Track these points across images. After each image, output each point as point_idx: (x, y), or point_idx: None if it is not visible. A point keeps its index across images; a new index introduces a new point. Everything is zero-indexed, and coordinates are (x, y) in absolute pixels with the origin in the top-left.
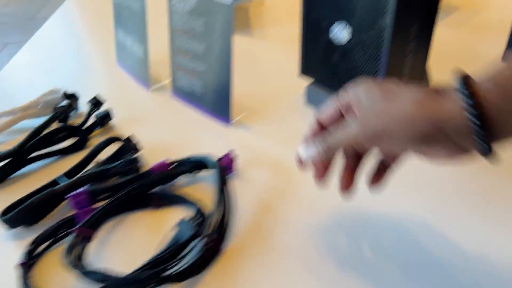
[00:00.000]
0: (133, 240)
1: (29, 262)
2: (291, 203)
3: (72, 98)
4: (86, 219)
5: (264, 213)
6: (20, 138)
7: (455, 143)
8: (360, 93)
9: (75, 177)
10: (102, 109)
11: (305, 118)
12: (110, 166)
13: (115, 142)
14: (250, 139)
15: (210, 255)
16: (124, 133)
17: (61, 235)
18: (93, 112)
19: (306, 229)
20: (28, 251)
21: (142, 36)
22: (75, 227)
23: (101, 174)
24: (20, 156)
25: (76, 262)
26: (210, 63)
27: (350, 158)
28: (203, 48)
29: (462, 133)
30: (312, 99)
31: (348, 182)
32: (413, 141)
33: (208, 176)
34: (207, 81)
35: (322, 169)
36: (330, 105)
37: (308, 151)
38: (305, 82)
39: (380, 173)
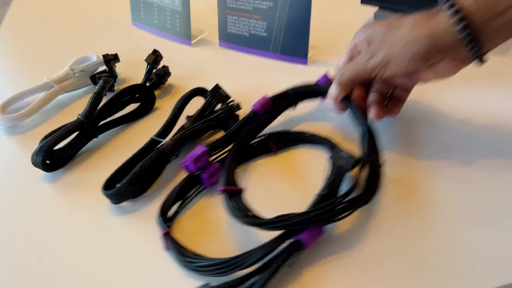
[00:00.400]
0: (264, 186)
1: (168, 229)
2: None
3: (113, 61)
4: (224, 177)
5: None
6: (62, 115)
7: (452, 55)
8: (366, 32)
9: (178, 135)
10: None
11: None
12: (212, 117)
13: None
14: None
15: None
16: (187, 88)
17: (188, 196)
18: (152, 70)
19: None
20: (164, 219)
21: None
22: (220, 187)
23: (204, 126)
24: (87, 128)
25: (249, 217)
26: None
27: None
28: None
29: (455, 44)
30: None
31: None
32: (416, 59)
33: (312, 111)
34: (274, 19)
35: (341, 105)
36: (344, 54)
37: (329, 91)
38: (368, 9)
39: (395, 103)
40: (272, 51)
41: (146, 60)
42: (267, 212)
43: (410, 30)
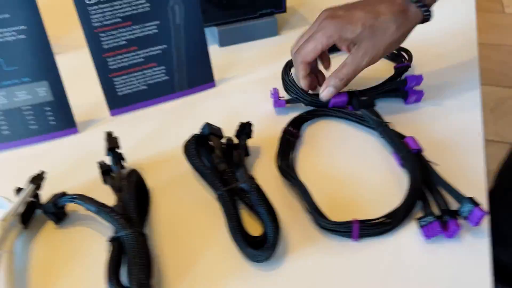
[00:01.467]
0: None
1: None
2: None
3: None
4: None
5: None
6: None
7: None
8: (348, 26)
9: None
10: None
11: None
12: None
13: None
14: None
15: None
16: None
17: None
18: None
19: None
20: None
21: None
22: None
23: None
24: None
25: None
26: (172, 39)
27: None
28: (154, 28)
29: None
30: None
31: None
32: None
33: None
34: (172, 59)
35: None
36: (312, 47)
37: (328, 92)
38: None
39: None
40: (178, 90)
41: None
42: None
43: (396, 32)
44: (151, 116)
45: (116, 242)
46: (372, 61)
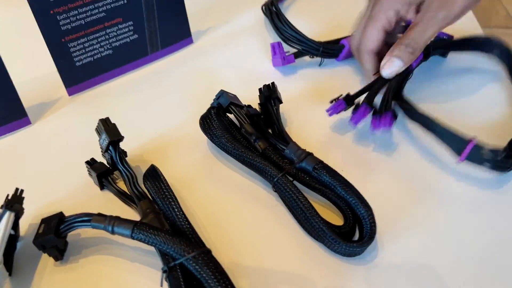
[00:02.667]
0: None
1: None
2: None
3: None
4: None
5: None
6: None
7: None
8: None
9: None
10: None
11: None
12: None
13: None
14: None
15: None
16: None
17: None
18: None
19: None
20: None
21: None
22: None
23: None
24: None
25: None
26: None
27: None
28: None
29: None
30: None
31: None
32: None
33: None
34: (141, 11)
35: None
36: (374, 31)
37: (390, 65)
38: None
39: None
40: (152, 51)
41: None
42: None
43: None
44: (124, 90)
45: (176, 272)
46: (448, 17)
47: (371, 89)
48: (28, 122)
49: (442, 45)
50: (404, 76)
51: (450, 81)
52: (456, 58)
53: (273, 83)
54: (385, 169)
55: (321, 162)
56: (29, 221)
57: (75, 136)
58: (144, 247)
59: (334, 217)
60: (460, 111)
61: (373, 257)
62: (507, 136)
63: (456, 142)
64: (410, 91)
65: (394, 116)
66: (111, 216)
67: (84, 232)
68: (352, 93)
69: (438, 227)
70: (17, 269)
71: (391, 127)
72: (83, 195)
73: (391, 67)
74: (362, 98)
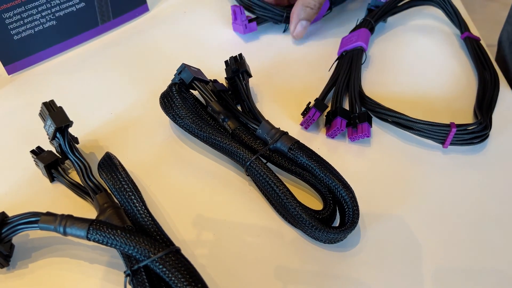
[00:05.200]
0: None
1: None
2: None
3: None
4: None
5: None
6: None
7: None
8: None
9: None
10: None
11: None
12: None
13: None
14: None
15: None
16: None
17: None
18: None
19: None
20: None
21: None
22: None
23: None
24: None
25: None
26: None
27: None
28: None
29: None
30: None
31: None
32: None
33: None
34: None
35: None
36: None
37: (301, 28)
38: None
39: None
40: (102, 21)
41: None
42: None
43: None
44: (72, 66)
45: (141, 275)
46: None
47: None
48: None
49: (381, 13)
50: (355, 71)
51: (400, 50)
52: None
53: (240, 55)
54: (362, 147)
55: (297, 141)
56: None
57: (17, 121)
58: (105, 247)
59: (313, 201)
60: (421, 81)
61: (355, 242)
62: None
63: (436, 133)
64: (368, 76)
65: (369, 123)
66: (62, 215)
67: (33, 232)
68: (319, 96)
69: (420, 203)
70: None
71: (369, 135)
72: (29, 189)
73: (301, 29)
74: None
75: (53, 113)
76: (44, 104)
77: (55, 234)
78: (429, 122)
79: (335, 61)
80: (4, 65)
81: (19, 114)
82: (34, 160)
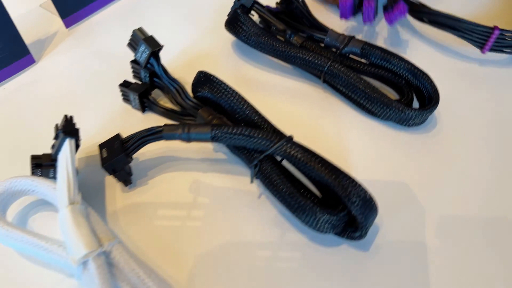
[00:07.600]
0: None
1: None
2: None
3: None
4: None
5: None
6: None
7: None
8: None
9: None
10: None
11: None
12: None
13: None
14: None
15: None
16: None
17: None
18: None
19: None
20: None
21: None
22: None
23: None
24: None
25: None
26: None
27: None
28: None
29: None
30: None
31: None
32: None
33: None
34: None
35: None
36: None
37: None
38: None
39: None
40: None
41: None
42: None
43: None
44: (126, 12)
45: (267, 164)
46: None
47: None
48: (32, 61)
49: None
50: None
51: None
52: None
53: None
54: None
55: (366, 42)
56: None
57: (87, 69)
58: (212, 156)
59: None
60: None
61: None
62: None
63: (478, 35)
64: None
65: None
66: (182, 123)
67: (140, 154)
68: None
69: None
70: (86, 201)
71: (406, 14)
72: (124, 122)
73: None
74: None
75: (146, 38)
76: (136, 30)
77: (161, 153)
78: (473, 22)
79: None
80: (62, 18)
81: (88, 61)
82: (122, 94)
